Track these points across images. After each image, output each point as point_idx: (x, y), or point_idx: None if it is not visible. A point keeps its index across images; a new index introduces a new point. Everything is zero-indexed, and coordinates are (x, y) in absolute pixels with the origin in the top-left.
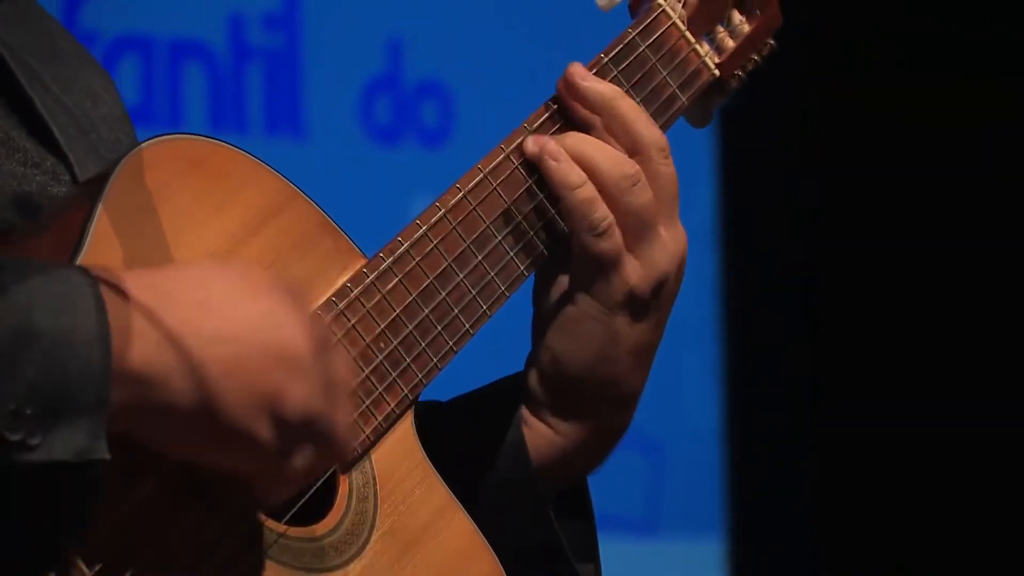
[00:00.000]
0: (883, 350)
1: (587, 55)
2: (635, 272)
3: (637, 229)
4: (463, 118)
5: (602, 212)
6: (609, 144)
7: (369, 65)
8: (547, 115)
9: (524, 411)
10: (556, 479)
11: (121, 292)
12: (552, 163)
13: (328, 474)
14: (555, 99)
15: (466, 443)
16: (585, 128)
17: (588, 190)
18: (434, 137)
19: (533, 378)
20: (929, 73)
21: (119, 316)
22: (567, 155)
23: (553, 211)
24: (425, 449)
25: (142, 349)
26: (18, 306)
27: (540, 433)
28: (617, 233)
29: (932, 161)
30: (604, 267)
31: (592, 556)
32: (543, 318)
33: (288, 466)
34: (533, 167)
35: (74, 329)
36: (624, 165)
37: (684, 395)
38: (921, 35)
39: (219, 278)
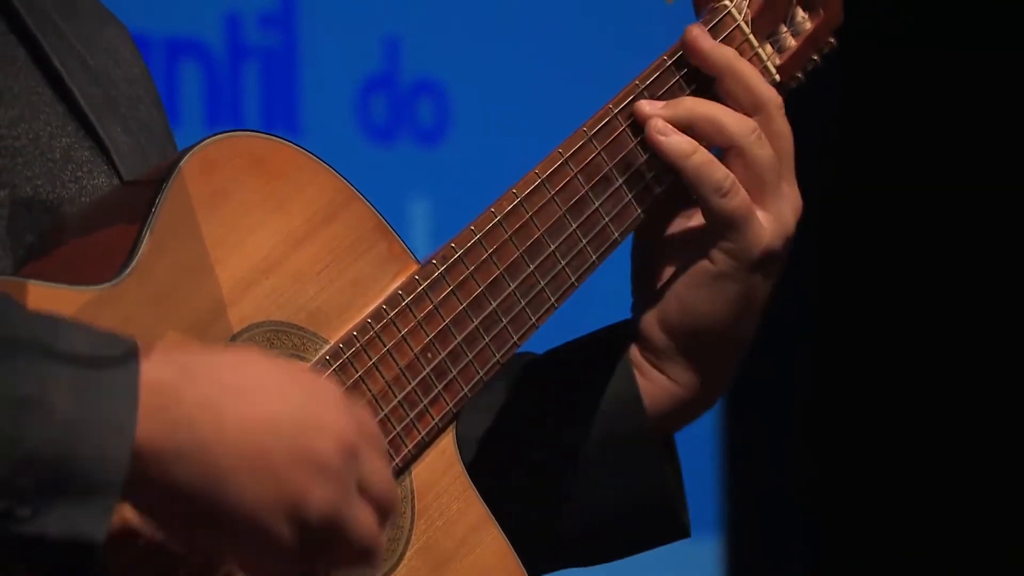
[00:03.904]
0: (880, 349)
1: (583, 54)
2: (770, 227)
3: (766, 183)
4: (459, 117)
5: (723, 171)
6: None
7: (365, 64)
8: (659, 72)
9: (640, 361)
10: (664, 429)
11: (142, 370)
12: (661, 138)
13: None
14: (671, 55)
15: (571, 395)
16: (705, 85)
17: (703, 154)
18: (430, 136)
19: (655, 329)
20: (936, 76)
21: (144, 396)
22: (673, 128)
23: (607, 217)
24: (524, 401)
25: (154, 428)
26: (41, 376)
27: (658, 384)
28: (743, 191)
29: (934, 162)
30: (738, 225)
31: (684, 504)
32: (659, 268)
33: (314, 571)
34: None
35: (92, 417)
36: (747, 121)
37: None
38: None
39: (257, 364)
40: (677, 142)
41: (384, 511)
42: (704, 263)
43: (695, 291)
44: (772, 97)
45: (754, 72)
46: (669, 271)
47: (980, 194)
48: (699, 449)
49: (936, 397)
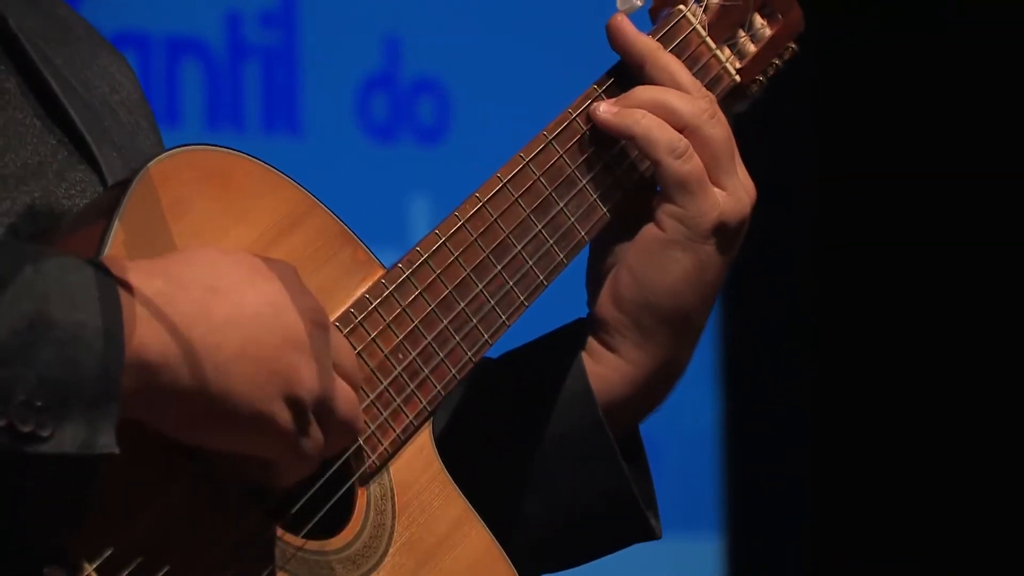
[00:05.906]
0: (881, 349)
1: (583, 52)
2: (724, 200)
3: (721, 160)
4: (460, 115)
5: (676, 135)
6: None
7: (366, 63)
8: (617, 76)
9: (592, 345)
10: (623, 417)
11: (129, 282)
12: (607, 116)
13: (346, 487)
14: (619, 65)
15: (526, 397)
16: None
17: (652, 118)
18: (430, 134)
19: (607, 306)
20: (935, 77)
21: (129, 306)
22: (618, 108)
23: (572, 217)
24: (480, 407)
25: (151, 337)
26: (36, 294)
27: (611, 366)
28: (697, 158)
29: (933, 161)
30: (691, 189)
31: (652, 502)
32: (613, 245)
33: (305, 445)
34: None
35: (87, 323)
36: (697, 100)
37: (681, 393)
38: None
39: (225, 262)
40: (624, 112)
41: (355, 383)
42: (655, 230)
43: (646, 259)
44: (697, 86)
45: (677, 61)
46: (622, 251)
47: (977, 191)
48: (699, 449)
49: (936, 397)
